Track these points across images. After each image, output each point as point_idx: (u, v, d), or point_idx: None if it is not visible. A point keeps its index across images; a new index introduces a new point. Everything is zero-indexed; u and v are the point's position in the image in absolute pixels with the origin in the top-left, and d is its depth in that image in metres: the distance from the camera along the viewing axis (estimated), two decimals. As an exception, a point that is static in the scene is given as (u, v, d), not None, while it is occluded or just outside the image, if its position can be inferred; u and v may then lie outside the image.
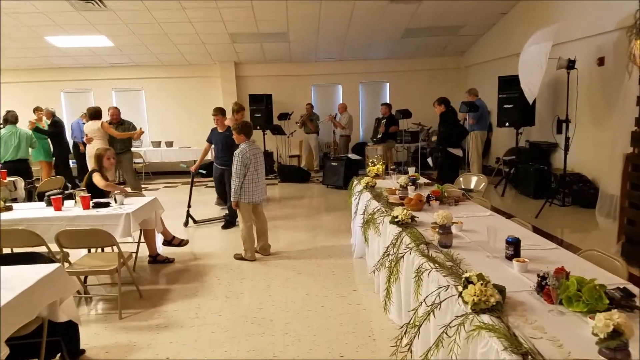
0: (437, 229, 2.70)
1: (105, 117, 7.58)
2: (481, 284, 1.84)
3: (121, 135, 7.30)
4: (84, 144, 9.86)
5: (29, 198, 6.82)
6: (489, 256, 2.48)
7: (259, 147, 5.08)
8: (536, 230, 3.16)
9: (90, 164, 7.34)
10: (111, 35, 9.40)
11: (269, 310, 3.71)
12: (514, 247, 2.37)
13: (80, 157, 9.98)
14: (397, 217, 3.11)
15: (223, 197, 6.41)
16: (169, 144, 11.20)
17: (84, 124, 10.01)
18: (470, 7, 8.58)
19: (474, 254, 2.52)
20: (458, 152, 6.39)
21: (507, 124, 7.66)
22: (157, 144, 11.18)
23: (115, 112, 7.61)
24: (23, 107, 10.20)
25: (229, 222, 6.34)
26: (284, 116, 11.01)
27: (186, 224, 6.45)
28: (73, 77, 11.55)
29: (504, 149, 9.00)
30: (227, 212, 6.43)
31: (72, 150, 10.17)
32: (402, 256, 2.72)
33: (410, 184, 4.12)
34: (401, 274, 2.77)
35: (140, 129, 7.61)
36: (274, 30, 9.39)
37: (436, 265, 2.30)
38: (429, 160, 6.56)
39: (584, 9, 6.66)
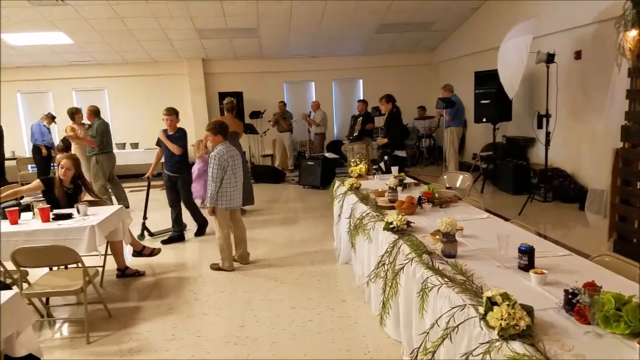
0: (440, 237, 2.49)
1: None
2: (507, 305, 1.62)
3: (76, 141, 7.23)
4: (47, 148, 9.37)
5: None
6: (500, 266, 2.27)
7: (235, 149, 4.76)
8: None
9: None
10: (70, 32, 8.82)
11: (253, 327, 3.41)
12: (528, 257, 2.17)
13: (41, 161, 9.41)
14: (391, 223, 2.88)
15: (174, 206, 5.77)
16: (134, 146, 10.66)
17: (44, 126, 9.51)
18: (442, 3, 8.48)
19: (483, 265, 2.31)
20: (403, 153, 6.09)
21: (484, 120, 7.58)
22: (122, 145, 10.60)
23: (87, 111, 7.30)
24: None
25: (199, 229, 5.97)
26: (256, 114, 10.67)
27: (141, 237, 5.78)
28: (30, 76, 10.86)
29: (479, 144, 8.96)
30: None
31: (32, 154, 9.60)
32: (402, 267, 2.49)
33: (398, 184, 3.90)
34: (400, 286, 2.54)
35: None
36: (244, 25, 9.03)
37: (446, 279, 2.07)
38: (382, 164, 6.10)
39: (558, 2, 6.60)
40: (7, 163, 10.30)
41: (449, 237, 2.37)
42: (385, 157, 5.96)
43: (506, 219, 3.28)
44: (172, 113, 5.56)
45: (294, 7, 8.23)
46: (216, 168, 4.42)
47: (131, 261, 4.87)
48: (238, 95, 10.34)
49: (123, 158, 10.37)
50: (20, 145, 10.95)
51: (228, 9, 8.14)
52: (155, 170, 5.99)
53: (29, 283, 3.59)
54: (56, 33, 8.74)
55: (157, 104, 11.17)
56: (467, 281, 2.02)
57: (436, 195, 3.57)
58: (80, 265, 3.44)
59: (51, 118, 9.67)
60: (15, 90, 10.95)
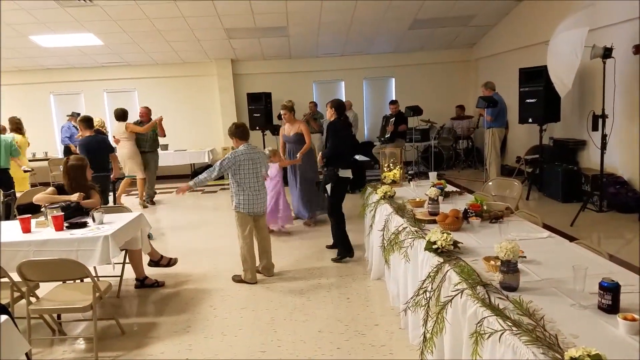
0: (495, 263, 2.06)
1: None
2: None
3: (145, 129, 7.78)
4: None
5: (7, 213, 6.18)
6: (574, 305, 1.82)
7: (262, 153, 4.46)
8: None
9: (126, 164, 7.69)
10: (100, 33, 8.75)
11: (275, 353, 3.06)
12: (612, 296, 1.72)
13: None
14: (434, 242, 2.46)
15: None
16: (164, 147, 10.53)
17: (73, 126, 9.50)
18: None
19: (552, 302, 1.86)
20: (348, 173, 4.74)
21: (530, 120, 6.99)
22: (152, 147, 10.51)
23: (145, 111, 8.18)
24: (10, 111, 9.57)
25: None
26: (285, 115, 10.35)
27: None
28: (62, 78, 10.93)
29: (522, 147, 8.35)
30: None
31: (64, 155, 9.62)
32: (450, 301, 2.07)
33: (439, 194, 3.46)
34: (447, 321, 2.13)
35: (160, 116, 8.05)
36: (273, 24, 8.73)
37: (509, 323, 1.65)
38: (328, 187, 4.80)
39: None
40: (39, 164, 10.41)
41: (510, 267, 1.94)
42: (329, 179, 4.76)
43: (560, 233, 2.81)
44: (79, 120, 5.38)
45: (324, 4, 7.87)
46: (226, 161, 4.15)
47: (149, 271, 4.61)
48: (267, 96, 10.08)
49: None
50: (52, 146, 11.03)
51: (257, 8, 7.86)
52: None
53: (37, 297, 3.35)
54: (85, 34, 8.69)
55: (186, 105, 11.11)
56: (537, 327, 1.60)
57: (485, 207, 3.12)
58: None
59: (77, 117, 9.64)
60: (48, 91, 11.05)
